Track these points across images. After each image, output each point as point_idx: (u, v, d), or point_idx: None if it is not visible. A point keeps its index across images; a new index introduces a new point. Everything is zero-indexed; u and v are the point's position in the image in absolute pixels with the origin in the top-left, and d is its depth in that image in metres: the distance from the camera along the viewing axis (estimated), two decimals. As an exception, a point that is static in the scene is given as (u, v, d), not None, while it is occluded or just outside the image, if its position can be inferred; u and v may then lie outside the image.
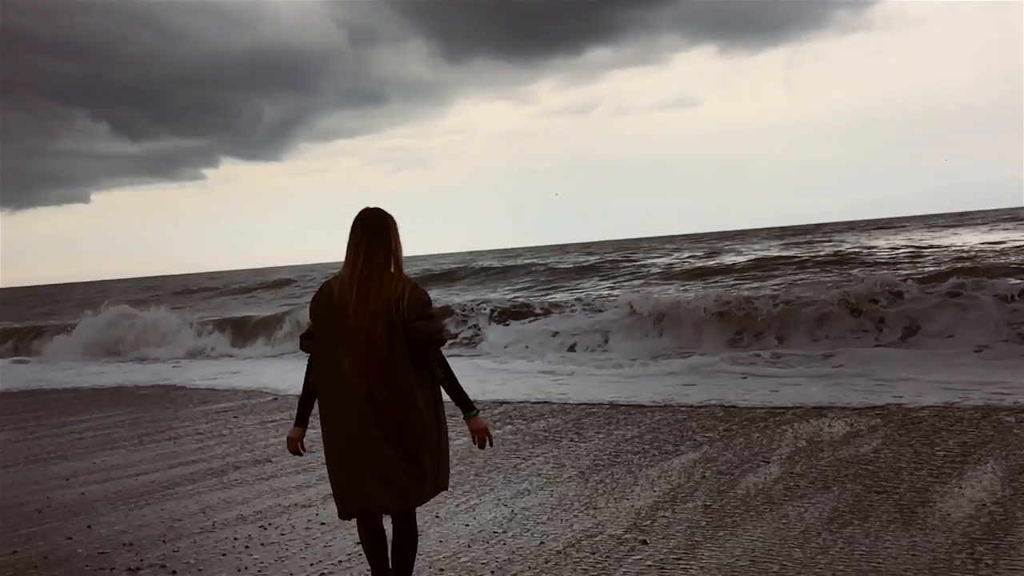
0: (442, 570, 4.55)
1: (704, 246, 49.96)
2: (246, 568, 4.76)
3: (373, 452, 3.29)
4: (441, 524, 5.39)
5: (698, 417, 8.55)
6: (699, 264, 31.55)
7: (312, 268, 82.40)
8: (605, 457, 7.02)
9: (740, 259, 31.62)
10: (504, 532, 5.14)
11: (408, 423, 3.30)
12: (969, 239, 32.46)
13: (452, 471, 5.90)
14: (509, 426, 8.68)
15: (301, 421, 3.65)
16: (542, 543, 4.89)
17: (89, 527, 5.87)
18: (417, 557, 4.64)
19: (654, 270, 31.39)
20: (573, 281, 29.83)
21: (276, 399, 11.78)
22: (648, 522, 5.17)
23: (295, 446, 3.68)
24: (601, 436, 7.87)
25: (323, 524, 5.51)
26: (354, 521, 3.81)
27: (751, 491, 5.73)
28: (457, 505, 5.81)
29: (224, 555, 5.03)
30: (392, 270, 3.34)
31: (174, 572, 4.77)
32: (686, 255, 38.96)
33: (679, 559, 4.49)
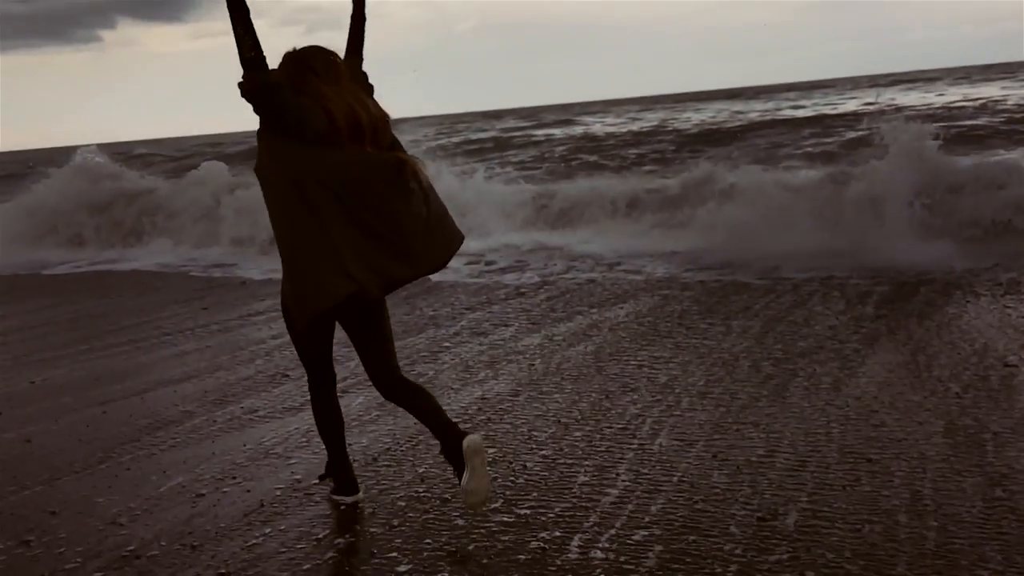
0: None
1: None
2: None
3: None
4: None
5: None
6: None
7: (220, 140, 77.13)
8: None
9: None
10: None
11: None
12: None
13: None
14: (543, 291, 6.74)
15: None
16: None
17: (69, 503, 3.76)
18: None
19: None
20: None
21: (245, 284, 9.56)
22: (834, 425, 3.34)
23: None
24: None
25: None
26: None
27: (891, 380, 4.45)
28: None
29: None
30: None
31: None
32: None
33: (962, 483, 2.68)
